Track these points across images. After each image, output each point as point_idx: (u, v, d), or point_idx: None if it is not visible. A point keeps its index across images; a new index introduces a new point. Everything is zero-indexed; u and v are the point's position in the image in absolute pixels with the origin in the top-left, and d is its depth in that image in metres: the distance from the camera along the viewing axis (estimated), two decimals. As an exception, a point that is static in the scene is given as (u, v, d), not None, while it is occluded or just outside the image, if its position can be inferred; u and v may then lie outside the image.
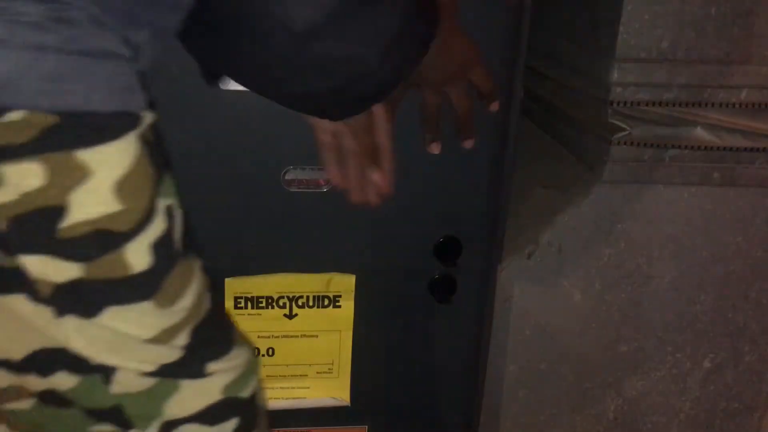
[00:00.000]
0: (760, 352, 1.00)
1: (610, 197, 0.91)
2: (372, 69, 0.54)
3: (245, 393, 0.57)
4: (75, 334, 0.47)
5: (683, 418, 1.04)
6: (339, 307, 0.85)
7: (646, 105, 0.86)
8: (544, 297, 0.95)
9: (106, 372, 0.49)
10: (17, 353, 0.48)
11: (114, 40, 0.44)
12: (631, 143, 0.87)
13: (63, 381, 0.49)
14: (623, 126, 0.87)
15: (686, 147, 0.88)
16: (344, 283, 0.84)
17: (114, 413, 0.51)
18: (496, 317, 0.96)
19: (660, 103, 0.86)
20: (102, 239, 0.45)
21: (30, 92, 0.40)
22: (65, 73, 0.41)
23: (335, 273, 0.84)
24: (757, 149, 0.88)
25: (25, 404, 0.52)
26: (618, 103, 0.86)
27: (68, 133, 0.42)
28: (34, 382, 0.50)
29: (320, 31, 0.48)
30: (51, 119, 0.41)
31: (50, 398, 0.51)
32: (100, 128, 0.43)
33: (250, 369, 0.58)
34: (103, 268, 0.46)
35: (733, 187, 0.91)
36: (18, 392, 0.51)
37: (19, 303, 0.46)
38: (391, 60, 0.54)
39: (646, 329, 0.98)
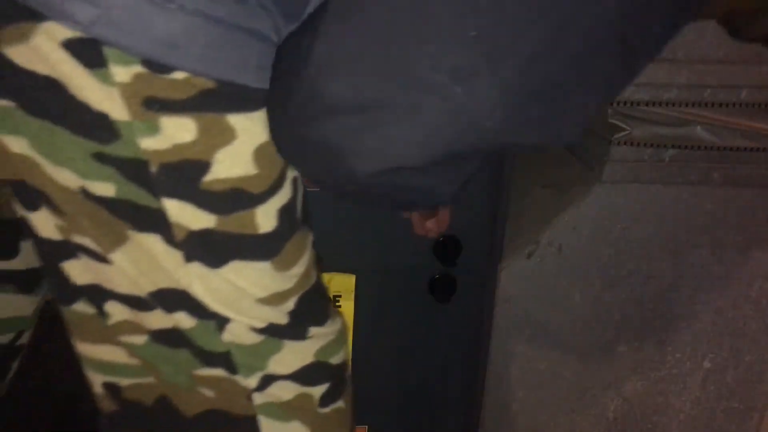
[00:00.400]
0: (761, 352, 1.00)
1: (610, 197, 0.91)
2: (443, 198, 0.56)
3: (335, 360, 0.61)
4: (198, 280, 0.51)
5: (683, 418, 1.04)
6: (339, 307, 0.85)
7: (647, 105, 0.86)
8: (544, 297, 0.95)
9: (220, 320, 0.53)
10: (145, 288, 0.52)
11: (269, 26, 0.47)
12: (631, 143, 0.87)
13: (183, 320, 0.53)
14: (623, 126, 0.87)
15: (686, 147, 0.88)
16: (344, 283, 0.84)
17: (224, 357, 0.54)
18: (496, 317, 0.96)
19: (660, 103, 0.86)
20: (237, 197, 0.49)
21: (194, 56, 0.44)
22: (226, 45, 0.45)
23: (335, 273, 0.84)
24: (758, 149, 0.88)
25: (139, 340, 0.55)
26: (618, 103, 0.86)
27: (222, 99, 0.46)
28: (156, 318, 0.53)
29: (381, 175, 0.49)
30: (209, 83, 0.45)
31: (163, 337, 0.54)
32: (248, 98, 0.47)
33: (342, 338, 0.62)
34: (234, 223, 0.50)
35: (734, 187, 0.90)
36: (134, 328, 0.54)
37: (154, 242, 0.49)
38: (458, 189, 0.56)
39: (646, 329, 0.98)
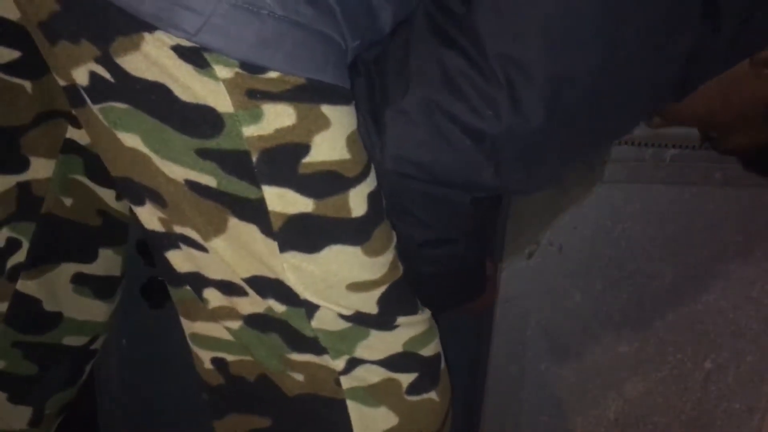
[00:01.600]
0: (762, 353, 1.00)
1: (611, 197, 0.90)
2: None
3: (426, 351, 0.63)
4: (291, 269, 0.54)
5: (684, 419, 1.04)
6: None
7: (647, 104, 0.86)
8: (544, 297, 0.95)
9: (310, 308, 0.56)
10: (240, 274, 0.56)
11: (338, 33, 0.53)
12: (632, 143, 0.87)
13: (275, 306, 0.56)
14: (624, 126, 0.86)
15: (687, 146, 0.88)
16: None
17: (312, 342, 0.58)
18: (496, 317, 0.96)
19: (661, 103, 0.86)
20: (332, 180, 0.53)
21: (283, 56, 0.49)
22: (309, 46, 0.50)
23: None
24: (759, 149, 0.88)
25: (234, 325, 0.59)
26: (619, 103, 0.86)
27: (314, 92, 0.51)
28: (250, 303, 0.57)
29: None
30: (300, 80, 0.50)
31: (255, 322, 0.58)
32: (337, 93, 0.53)
33: (433, 329, 0.65)
34: (330, 206, 0.54)
35: (735, 187, 0.90)
36: (229, 313, 0.59)
37: (251, 232, 0.53)
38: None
39: (647, 330, 0.98)
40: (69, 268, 0.77)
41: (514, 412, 1.02)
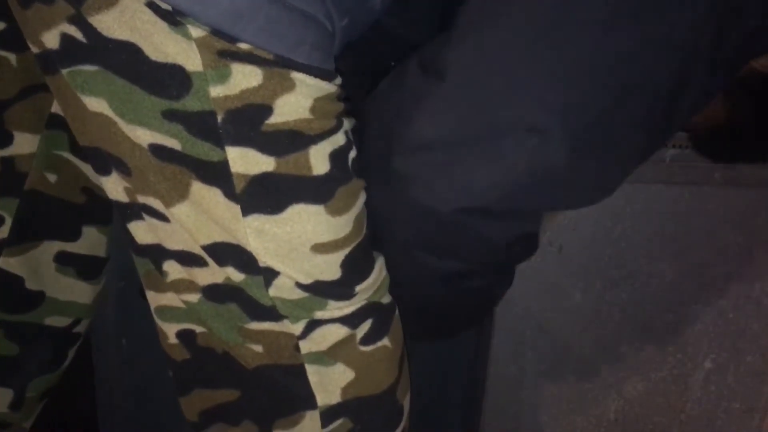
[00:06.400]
0: (762, 353, 1.00)
1: (611, 197, 0.90)
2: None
3: (386, 299, 0.63)
4: (254, 233, 0.54)
5: (684, 418, 1.04)
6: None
7: (647, 104, 0.86)
8: (544, 297, 0.95)
9: (268, 275, 0.56)
10: (200, 241, 0.55)
11: (322, 12, 0.53)
12: (632, 143, 0.87)
13: (233, 274, 0.56)
14: (624, 126, 0.86)
15: (687, 146, 0.88)
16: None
17: (270, 310, 0.58)
18: (496, 317, 0.96)
19: (661, 103, 0.86)
20: (293, 137, 0.53)
21: (255, 29, 0.49)
22: (284, 23, 0.50)
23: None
24: (759, 149, 0.88)
25: (193, 298, 0.59)
26: (619, 103, 0.86)
27: (284, 65, 0.51)
28: (208, 273, 0.57)
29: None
30: (269, 56, 0.51)
31: (213, 293, 0.58)
32: (308, 69, 0.53)
33: (387, 279, 0.64)
34: (291, 164, 0.54)
35: (735, 187, 0.90)
36: (188, 285, 0.58)
37: (214, 195, 0.53)
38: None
39: (647, 329, 0.98)
40: (52, 246, 0.76)
41: (514, 412, 1.02)
